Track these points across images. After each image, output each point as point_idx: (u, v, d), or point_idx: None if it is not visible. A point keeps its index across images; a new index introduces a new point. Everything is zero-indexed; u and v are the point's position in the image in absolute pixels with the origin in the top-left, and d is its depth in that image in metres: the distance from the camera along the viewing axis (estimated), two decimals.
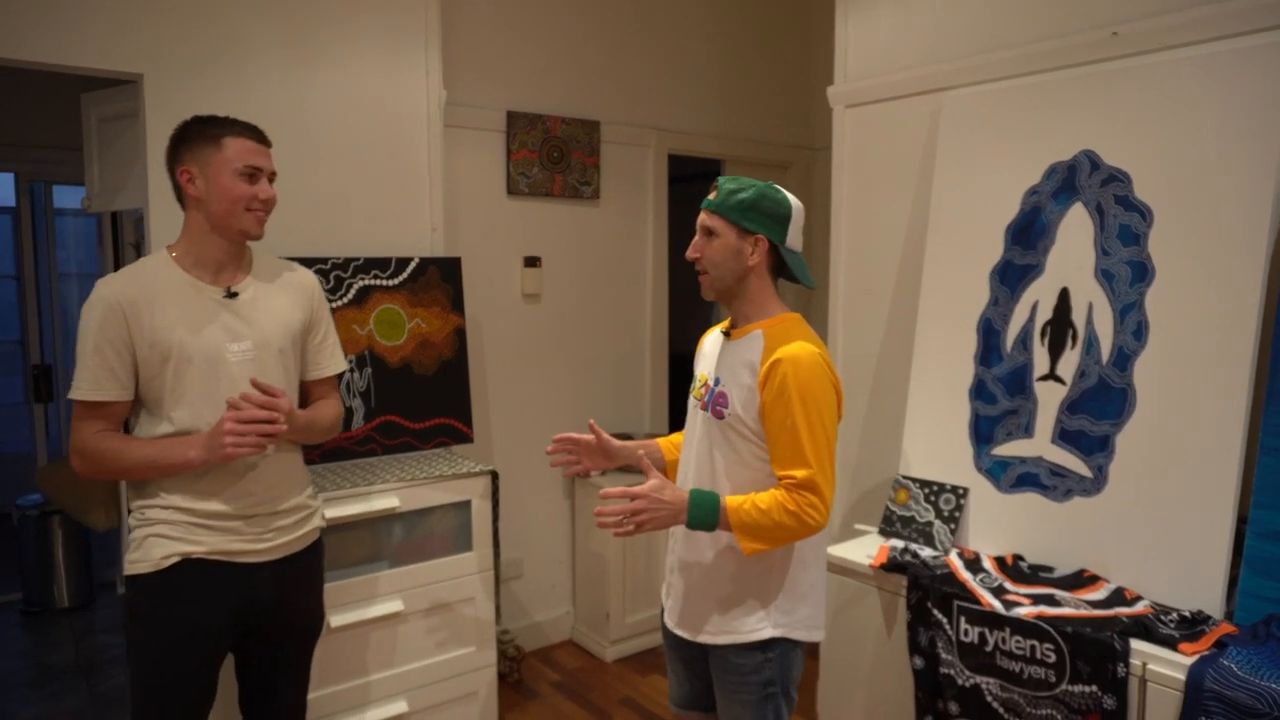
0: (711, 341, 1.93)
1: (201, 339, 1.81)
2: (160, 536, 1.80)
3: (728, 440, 1.77)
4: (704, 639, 1.83)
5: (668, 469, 2.00)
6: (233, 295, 1.87)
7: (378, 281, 2.82)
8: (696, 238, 1.80)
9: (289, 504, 1.93)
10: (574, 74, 3.63)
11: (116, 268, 3.83)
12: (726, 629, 1.80)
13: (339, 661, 2.44)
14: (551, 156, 3.54)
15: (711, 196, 1.79)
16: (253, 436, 1.72)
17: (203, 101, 2.52)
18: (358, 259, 2.79)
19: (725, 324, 1.90)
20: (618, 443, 1.94)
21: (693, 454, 1.86)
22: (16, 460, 5.66)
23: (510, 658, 3.37)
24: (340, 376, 2.14)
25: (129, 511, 1.87)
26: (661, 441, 2.06)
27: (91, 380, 1.75)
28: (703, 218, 1.79)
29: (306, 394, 2.06)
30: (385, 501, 2.48)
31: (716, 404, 1.79)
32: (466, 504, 2.66)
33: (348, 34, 2.85)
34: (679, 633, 1.88)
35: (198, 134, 1.84)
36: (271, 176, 1.91)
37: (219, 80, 2.60)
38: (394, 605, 2.51)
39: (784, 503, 1.65)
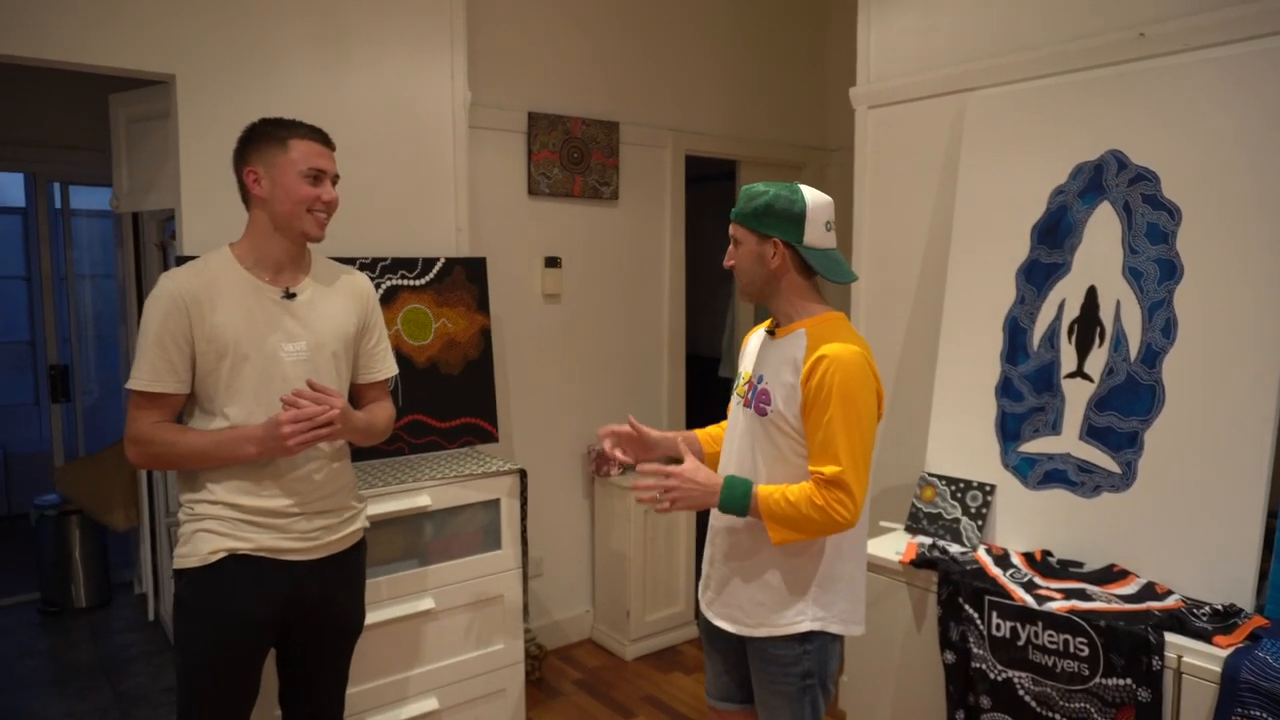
0: (755, 340, 1.96)
1: (258, 337, 1.84)
2: (208, 532, 1.83)
3: (769, 436, 1.80)
4: (744, 631, 1.85)
5: (705, 460, 2.03)
6: (291, 296, 1.90)
7: (405, 281, 2.84)
8: (730, 247, 1.86)
9: (335, 504, 1.95)
10: (593, 76, 3.66)
11: (138, 268, 3.85)
12: (765, 621, 1.82)
13: (371, 659, 2.45)
14: (572, 157, 3.56)
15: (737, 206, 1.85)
16: (310, 432, 1.75)
17: (234, 102, 2.55)
18: (385, 259, 2.81)
19: (769, 323, 1.93)
20: (657, 434, 2.01)
21: (734, 449, 1.88)
22: (31, 460, 5.68)
23: (532, 656, 3.38)
24: (390, 380, 2.16)
25: (179, 505, 1.89)
26: (700, 433, 2.10)
27: (151, 371, 1.78)
28: (730, 227, 1.85)
29: (358, 397, 2.08)
30: (417, 500, 2.50)
31: (759, 401, 1.82)
32: (496, 502, 2.68)
33: (376, 36, 2.87)
34: (718, 624, 1.90)
35: (265, 135, 1.87)
36: (334, 179, 1.93)
37: (249, 81, 2.62)
38: (425, 603, 2.53)
39: (812, 497, 1.69)
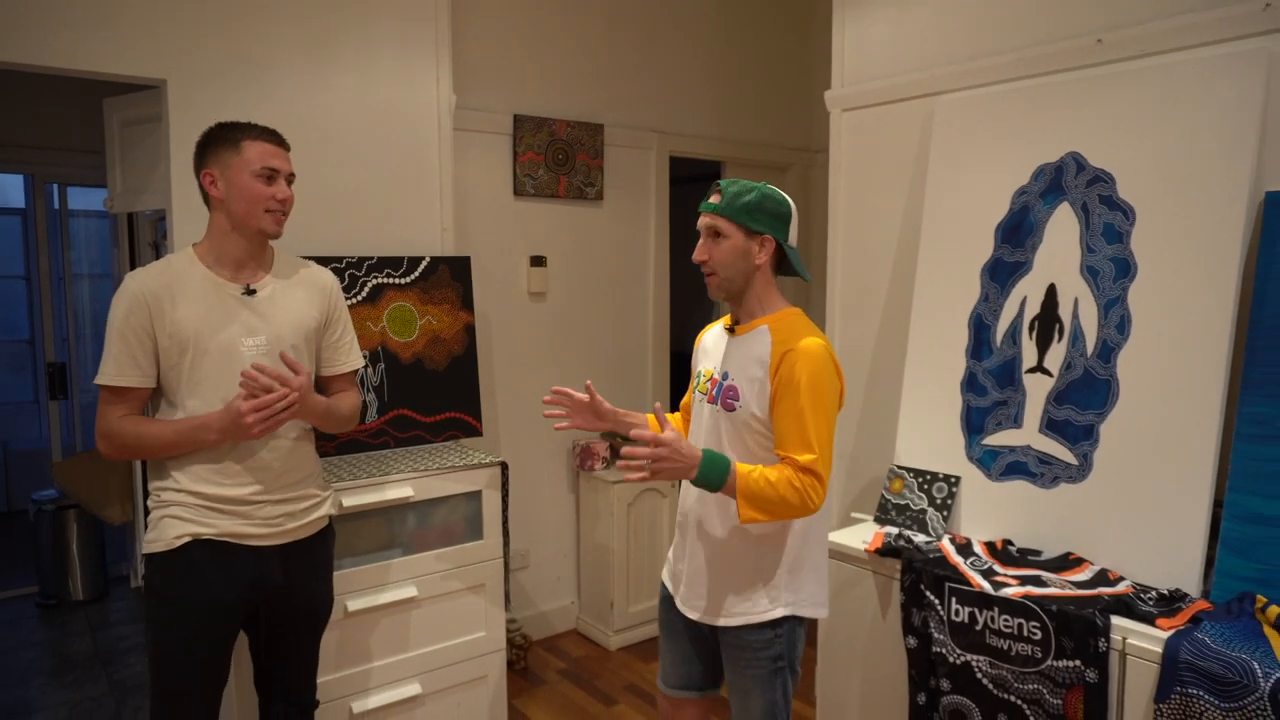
0: (713, 338, 2.02)
1: (218, 332, 1.91)
2: (174, 518, 1.91)
3: (737, 432, 1.86)
4: (721, 621, 1.91)
5: None
6: (251, 292, 1.98)
7: (390, 280, 2.92)
8: (703, 240, 1.87)
9: (296, 492, 2.02)
10: (578, 78, 3.73)
11: (133, 267, 3.93)
12: (740, 611, 1.89)
13: (355, 645, 2.53)
14: (556, 159, 3.64)
15: (714, 200, 1.85)
16: (272, 418, 1.83)
17: (224, 106, 2.62)
18: (371, 258, 2.89)
19: (726, 321, 1.98)
20: (609, 406, 2.05)
21: (699, 446, 1.93)
22: (30, 456, 5.76)
23: (517, 646, 3.46)
24: (358, 372, 2.23)
25: (146, 494, 1.98)
26: (650, 418, 2.12)
27: (115, 366, 1.86)
28: (708, 220, 1.85)
29: (325, 388, 2.15)
30: (400, 491, 2.58)
31: (727, 397, 1.87)
32: (477, 494, 2.76)
33: (363, 42, 2.95)
34: (693, 616, 1.95)
35: (218, 138, 1.94)
36: (289, 178, 2.00)
37: (240, 85, 2.70)
38: (408, 591, 2.60)
39: (791, 480, 1.73)
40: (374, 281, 2.88)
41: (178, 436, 1.87)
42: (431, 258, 3.01)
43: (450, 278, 3.04)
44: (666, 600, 2.07)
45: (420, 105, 3.08)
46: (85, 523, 4.29)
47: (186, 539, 1.90)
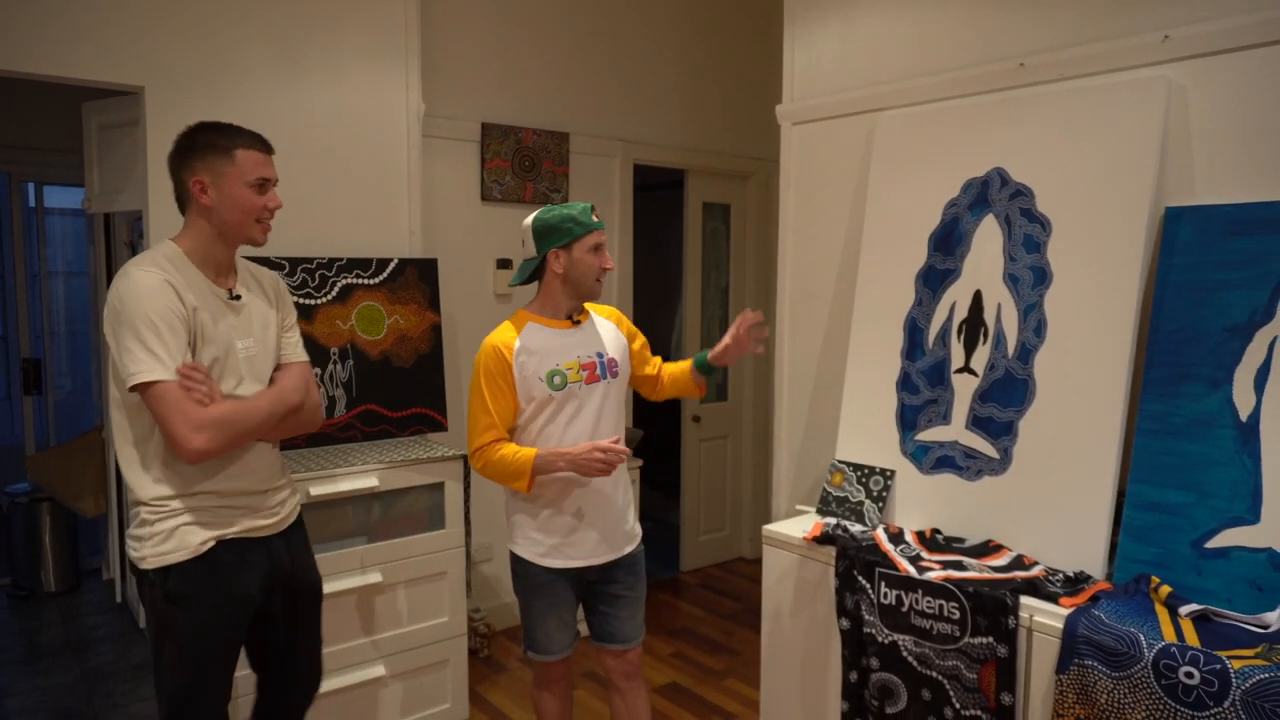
0: (539, 341, 2.27)
1: (220, 332, 1.92)
2: (194, 524, 1.90)
3: (621, 391, 2.39)
4: (638, 543, 2.45)
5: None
6: (236, 297, 1.99)
7: (359, 280, 3.04)
8: (606, 251, 2.34)
9: (278, 483, 2.11)
10: (545, 88, 3.87)
11: (109, 266, 4.01)
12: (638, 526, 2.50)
13: (324, 627, 2.64)
14: (523, 165, 3.77)
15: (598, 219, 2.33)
16: None
17: (200, 112, 2.71)
18: (341, 259, 3.01)
19: (548, 320, 2.31)
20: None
21: (603, 420, 2.32)
22: (3, 451, 5.81)
23: (481, 634, 3.58)
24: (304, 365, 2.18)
25: (139, 506, 1.94)
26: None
27: (173, 355, 1.79)
28: (603, 237, 2.34)
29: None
30: (365, 481, 2.70)
31: (612, 369, 2.36)
32: (440, 485, 2.89)
33: (334, 51, 3.07)
34: (629, 550, 2.39)
35: (209, 144, 1.89)
36: (275, 184, 2.00)
37: (215, 93, 2.81)
38: (373, 577, 2.73)
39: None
40: (343, 282, 3.00)
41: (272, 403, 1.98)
42: (399, 259, 3.14)
43: (418, 279, 3.17)
44: (562, 578, 2.37)
45: (390, 113, 3.21)
46: (58, 516, 4.36)
47: (211, 542, 1.90)
